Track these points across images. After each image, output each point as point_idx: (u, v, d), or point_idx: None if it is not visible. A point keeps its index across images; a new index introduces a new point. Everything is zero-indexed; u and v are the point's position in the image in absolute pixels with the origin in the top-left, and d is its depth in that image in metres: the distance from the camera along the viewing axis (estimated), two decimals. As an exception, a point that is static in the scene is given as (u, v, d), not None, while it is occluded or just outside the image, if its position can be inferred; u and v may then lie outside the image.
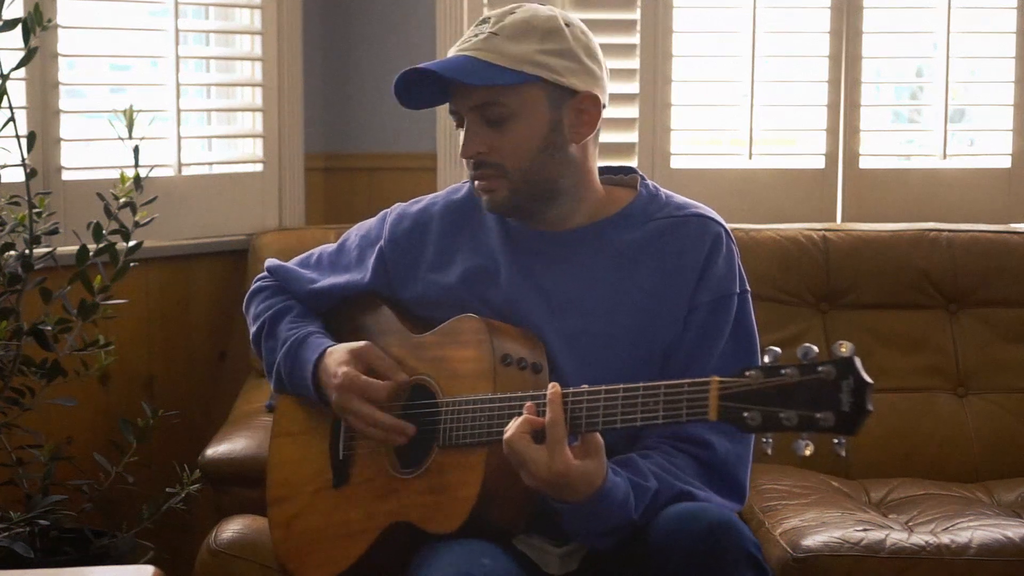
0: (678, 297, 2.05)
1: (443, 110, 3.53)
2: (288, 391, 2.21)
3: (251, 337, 2.29)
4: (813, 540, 2.47)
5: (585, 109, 2.06)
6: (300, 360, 2.15)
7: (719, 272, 2.06)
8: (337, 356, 2.10)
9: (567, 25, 2.05)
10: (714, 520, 1.87)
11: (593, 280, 2.08)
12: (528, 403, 1.88)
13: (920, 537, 2.50)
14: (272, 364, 2.22)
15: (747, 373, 1.73)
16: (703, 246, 2.07)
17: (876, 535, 2.48)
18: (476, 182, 2.08)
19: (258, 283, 2.34)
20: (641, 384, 1.82)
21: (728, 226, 2.14)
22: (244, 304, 2.33)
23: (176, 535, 3.12)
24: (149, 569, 2.05)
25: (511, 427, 1.86)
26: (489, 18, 2.06)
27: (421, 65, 2.03)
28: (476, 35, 2.04)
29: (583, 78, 2.05)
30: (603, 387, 1.85)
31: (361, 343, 2.11)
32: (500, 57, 2.01)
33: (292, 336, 2.18)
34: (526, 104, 2.03)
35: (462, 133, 2.08)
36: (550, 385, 1.87)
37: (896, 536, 2.49)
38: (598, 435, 1.86)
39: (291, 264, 2.33)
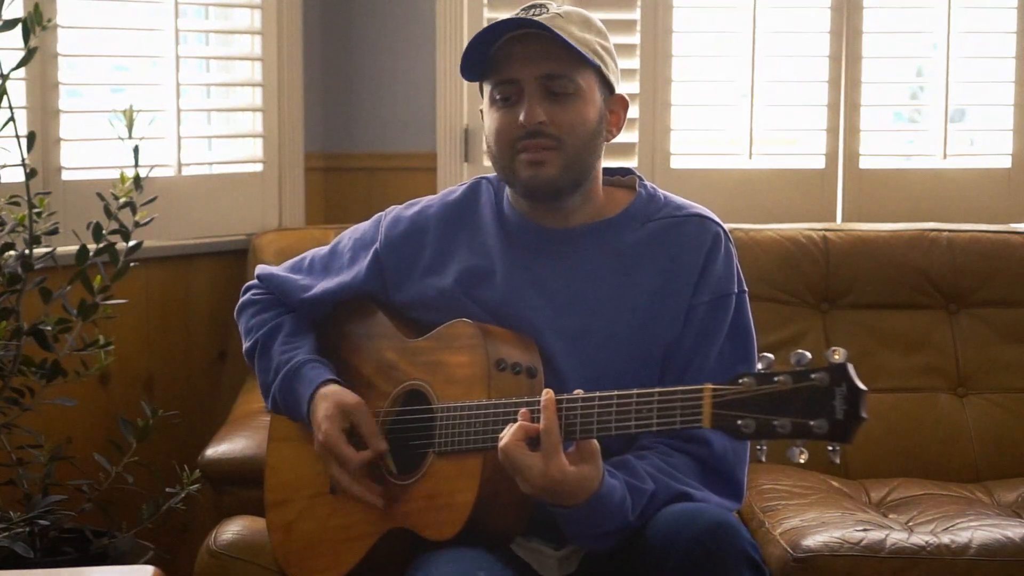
0: (677, 297, 2.06)
1: (443, 111, 3.56)
2: (284, 415, 2.21)
3: (244, 350, 2.28)
4: (813, 540, 2.46)
5: (616, 111, 2.12)
6: (295, 394, 2.15)
7: (718, 272, 2.07)
8: (325, 407, 2.09)
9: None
10: (711, 521, 1.87)
11: (594, 279, 2.08)
12: (523, 410, 1.88)
13: (920, 537, 2.50)
14: (267, 387, 2.22)
15: (741, 380, 1.73)
16: (702, 246, 2.08)
17: (876, 535, 2.48)
18: (523, 155, 2.04)
19: (249, 295, 2.33)
20: (635, 391, 1.83)
21: (728, 226, 2.15)
22: (236, 314, 2.33)
23: (176, 535, 3.12)
24: (149, 569, 2.06)
25: (506, 434, 1.86)
26: (544, 4, 2.06)
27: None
28: (539, 13, 2.04)
29: (617, 82, 2.11)
30: (597, 394, 1.85)
31: (354, 400, 2.09)
32: (571, 37, 2.03)
33: (286, 363, 2.17)
34: (587, 86, 2.06)
35: (491, 113, 2.06)
36: (544, 392, 1.87)
37: (896, 536, 2.49)
38: (594, 441, 1.86)
39: (283, 270, 2.31)
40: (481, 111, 2.13)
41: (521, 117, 2.02)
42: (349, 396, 2.10)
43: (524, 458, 1.84)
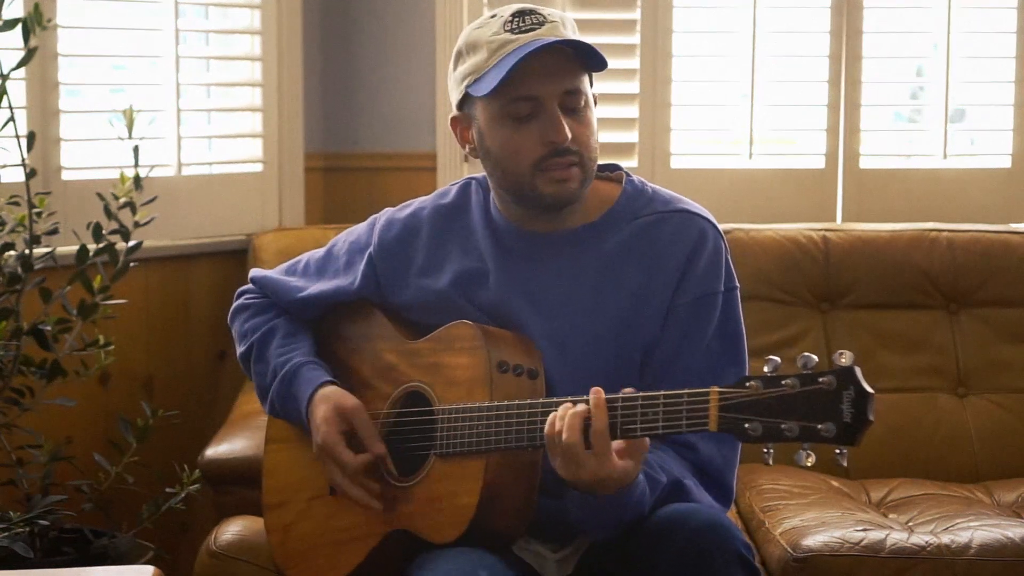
0: (659, 297, 2.03)
1: (443, 111, 3.55)
2: (282, 418, 2.20)
3: (238, 355, 2.27)
4: (813, 540, 2.47)
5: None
6: (293, 397, 2.13)
7: (701, 270, 2.04)
8: (324, 409, 2.07)
9: None
10: (705, 521, 1.87)
11: (579, 283, 2.06)
12: (568, 402, 1.85)
13: (920, 537, 2.50)
14: (264, 390, 2.20)
15: (747, 384, 1.72)
16: (685, 244, 2.04)
17: (876, 535, 2.48)
18: (549, 172, 2.00)
19: (242, 299, 2.31)
20: (640, 394, 1.82)
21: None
22: (229, 319, 2.31)
23: (176, 535, 3.12)
24: (149, 569, 2.06)
25: (565, 427, 1.82)
26: (535, 11, 2.01)
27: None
28: (538, 21, 1.99)
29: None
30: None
31: (352, 403, 2.07)
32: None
33: (283, 366, 2.16)
34: (589, 93, 2.04)
35: (501, 130, 2.00)
36: (592, 391, 1.83)
37: (896, 536, 2.49)
38: (646, 439, 1.83)
39: (277, 272, 2.29)
40: (454, 119, 2.08)
41: (553, 136, 1.97)
42: (348, 399, 2.08)
43: (580, 456, 1.81)
